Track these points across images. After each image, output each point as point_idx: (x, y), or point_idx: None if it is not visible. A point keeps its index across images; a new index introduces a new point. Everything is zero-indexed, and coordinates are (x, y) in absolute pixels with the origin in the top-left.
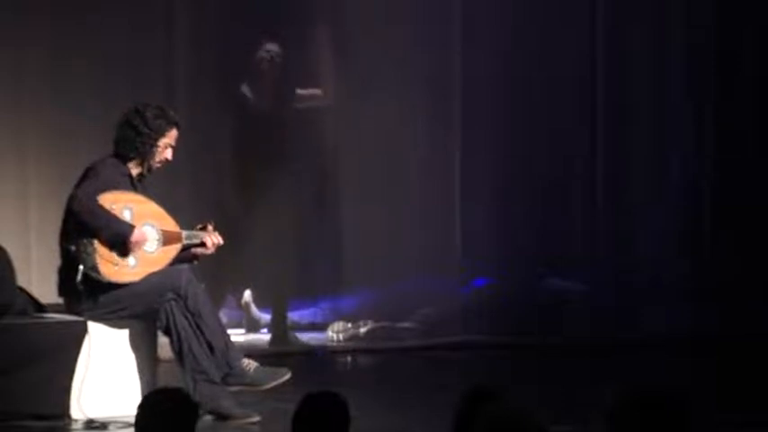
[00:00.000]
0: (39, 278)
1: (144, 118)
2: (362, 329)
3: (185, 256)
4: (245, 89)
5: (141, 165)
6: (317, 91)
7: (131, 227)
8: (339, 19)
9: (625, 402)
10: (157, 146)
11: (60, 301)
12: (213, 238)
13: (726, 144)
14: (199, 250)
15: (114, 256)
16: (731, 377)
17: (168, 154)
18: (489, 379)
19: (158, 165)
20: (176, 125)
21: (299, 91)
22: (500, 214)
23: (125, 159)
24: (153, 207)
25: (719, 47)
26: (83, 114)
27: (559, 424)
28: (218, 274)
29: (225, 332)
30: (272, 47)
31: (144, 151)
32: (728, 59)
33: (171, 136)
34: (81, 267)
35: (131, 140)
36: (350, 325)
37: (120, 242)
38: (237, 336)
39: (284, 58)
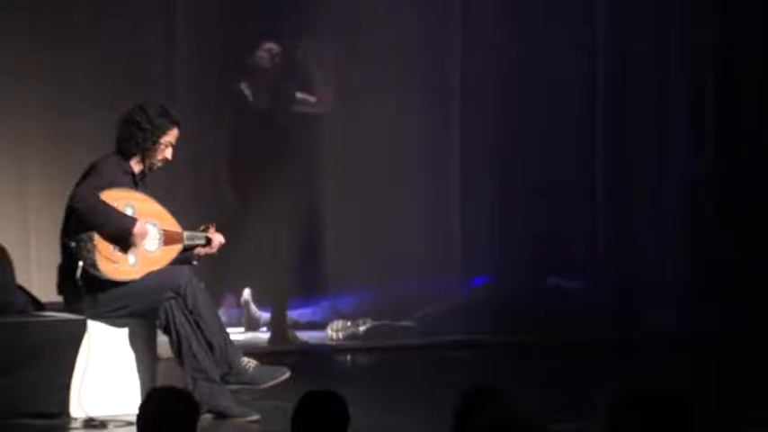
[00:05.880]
0: (38, 277)
1: (147, 115)
2: (362, 328)
3: (186, 257)
4: (243, 87)
5: (143, 162)
6: (312, 98)
7: (134, 219)
8: (339, 19)
9: (624, 401)
10: (159, 143)
11: (60, 299)
12: (216, 238)
13: (726, 145)
14: (202, 250)
15: (114, 253)
16: (731, 377)
17: (168, 153)
18: (489, 378)
19: (159, 164)
20: (177, 124)
21: (299, 94)
22: (500, 214)
23: (127, 157)
24: (155, 206)
25: (720, 48)
26: (82, 114)
27: (560, 423)
28: (218, 273)
29: (224, 331)
30: (272, 46)
31: (146, 148)
32: (729, 60)
33: (172, 134)
34: (80, 264)
35: (134, 137)
36: (349, 324)
37: (123, 236)
38: (237, 334)
39: (284, 58)
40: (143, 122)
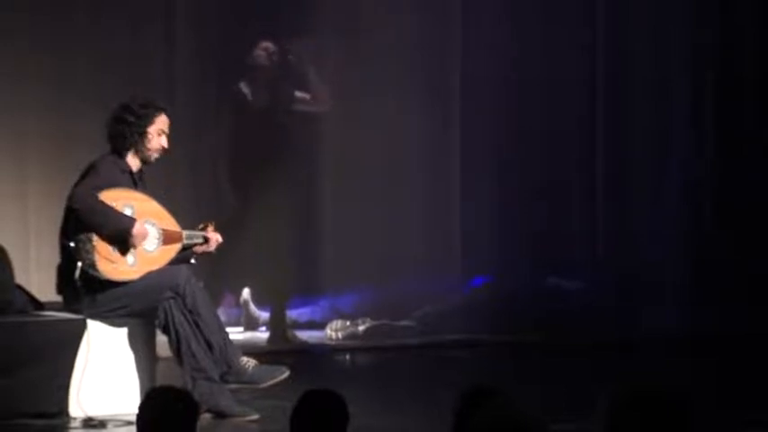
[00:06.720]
0: (38, 277)
1: (131, 108)
2: (361, 328)
3: (184, 255)
4: (242, 87)
5: (137, 155)
6: (308, 96)
7: (133, 220)
8: (339, 19)
9: (624, 401)
10: (147, 133)
11: (59, 299)
12: (214, 236)
13: (726, 145)
14: (200, 248)
15: (113, 253)
16: (731, 377)
17: (163, 141)
18: (489, 378)
19: (155, 154)
20: (164, 111)
21: (298, 93)
22: (500, 214)
23: (121, 154)
24: (154, 206)
25: (720, 48)
26: (82, 114)
27: (560, 423)
28: (217, 272)
29: (223, 330)
30: (270, 45)
31: (135, 141)
32: (729, 60)
33: (160, 122)
34: (79, 264)
35: (122, 132)
36: (349, 323)
37: (122, 237)
38: (236, 334)
39: (282, 57)
40: (128, 117)
